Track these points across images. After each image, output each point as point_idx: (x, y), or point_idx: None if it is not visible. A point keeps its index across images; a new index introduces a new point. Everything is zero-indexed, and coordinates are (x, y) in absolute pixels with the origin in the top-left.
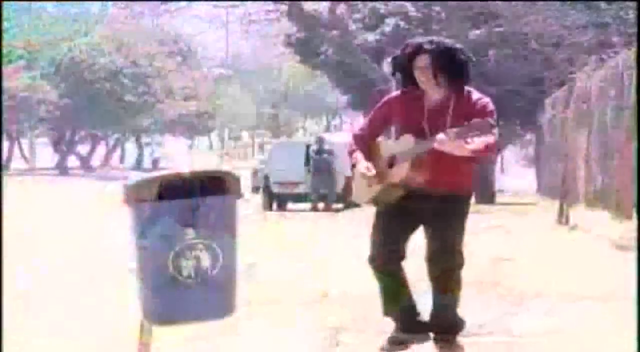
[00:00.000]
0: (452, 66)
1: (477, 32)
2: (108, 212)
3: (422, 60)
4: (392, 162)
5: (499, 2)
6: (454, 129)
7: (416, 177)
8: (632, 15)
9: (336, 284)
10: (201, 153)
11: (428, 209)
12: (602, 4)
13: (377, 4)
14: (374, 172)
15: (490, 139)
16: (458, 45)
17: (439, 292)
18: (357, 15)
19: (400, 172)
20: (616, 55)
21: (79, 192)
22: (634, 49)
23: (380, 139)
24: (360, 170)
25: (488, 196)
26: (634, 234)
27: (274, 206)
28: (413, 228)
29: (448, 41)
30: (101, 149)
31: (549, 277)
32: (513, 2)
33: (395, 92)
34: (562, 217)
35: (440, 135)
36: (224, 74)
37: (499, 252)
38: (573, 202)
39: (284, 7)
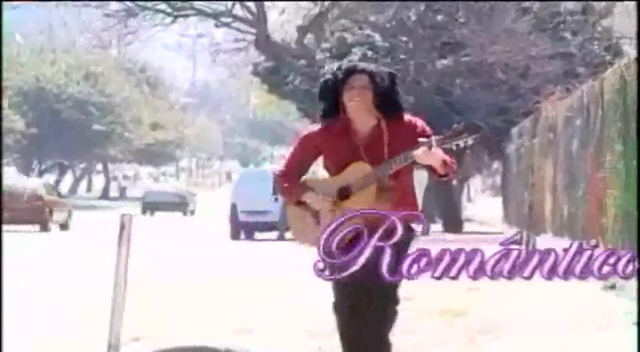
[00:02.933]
0: (390, 89)
1: (444, 61)
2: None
3: (360, 80)
4: (345, 194)
5: (466, 32)
6: (435, 137)
7: (383, 203)
8: (596, 46)
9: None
10: (168, 182)
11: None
12: (567, 35)
13: (345, 34)
14: (330, 202)
15: (446, 156)
16: (393, 71)
17: (373, 328)
18: (325, 45)
19: (364, 199)
20: (581, 85)
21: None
22: (599, 80)
23: (308, 180)
24: (314, 203)
25: (455, 225)
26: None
27: (242, 235)
28: None
29: (385, 68)
30: (68, 178)
31: (516, 306)
32: (479, 32)
33: (312, 127)
34: (529, 246)
35: (421, 148)
36: (191, 103)
37: (465, 282)
38: (540, 231)
39: (251, 36)
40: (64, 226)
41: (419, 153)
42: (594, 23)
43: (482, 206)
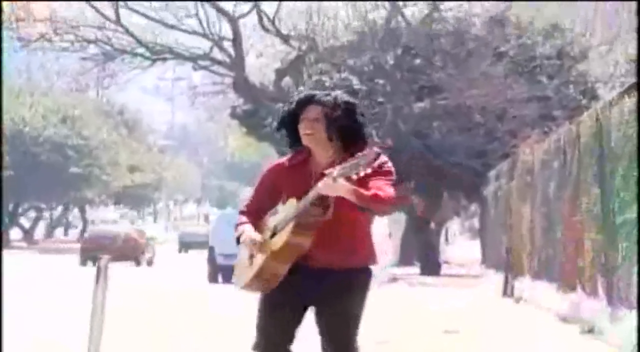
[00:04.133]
0: (346, 121)
1: (422, 104)
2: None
3: (313, 112)
4: (274, 232)
5: (443, 76)
6: (337, 167)
7: (300, 242)
8: (572, 90)
9: None
10: (146, 224)
11: (318, 287)
12: (544, 79)
13: (323, 77)
14: (258, 237)
15: (387, 188)
16: (357, 101)
17: None
18: (303, 88)
19: (280, 238)
20: (558, 128)
21: (22, 266)
22: (575, 123)
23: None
24: (244, 240)
25: (433, 268)
26: (578, 306)
27: (219, 278)
28: (303, 309)
29: (346, 96)
30: (45, 222)
31: (495, 350)
32: (457, 76)
33: (280, 159)
34: (507, 289)
35: (324, 180)
36: (169, 146)
37: (444, 325)
38: (518, 274)
39: (229, 79)
40: (149, 262)
41: (320, 186)
42: (569, 67)
43: (461, 249)
